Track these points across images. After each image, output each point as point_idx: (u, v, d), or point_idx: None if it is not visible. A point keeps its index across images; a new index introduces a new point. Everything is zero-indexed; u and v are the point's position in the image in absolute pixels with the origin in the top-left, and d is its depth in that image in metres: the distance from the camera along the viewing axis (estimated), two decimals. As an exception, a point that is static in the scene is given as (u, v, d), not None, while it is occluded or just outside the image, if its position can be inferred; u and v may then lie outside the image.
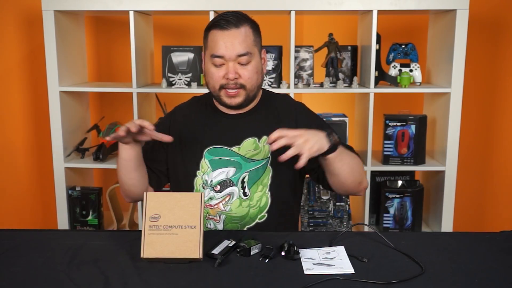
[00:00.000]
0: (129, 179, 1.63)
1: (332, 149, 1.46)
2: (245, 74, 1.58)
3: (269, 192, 1.64)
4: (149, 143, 1.66)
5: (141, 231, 1.34)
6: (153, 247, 1.32)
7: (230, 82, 1.57)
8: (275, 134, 1.40)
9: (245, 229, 1.64)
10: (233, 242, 1.41)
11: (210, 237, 1.44)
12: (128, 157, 1.58)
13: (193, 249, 1.31)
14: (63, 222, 2.57)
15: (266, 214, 1.65)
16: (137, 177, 1.63)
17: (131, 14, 2.37)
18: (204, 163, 1.65)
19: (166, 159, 1.72)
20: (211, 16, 2.36)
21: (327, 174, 1.59)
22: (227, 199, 1.64)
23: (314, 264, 1.31)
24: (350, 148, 1.68)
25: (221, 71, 1.58)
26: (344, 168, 1.54)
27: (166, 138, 1.51)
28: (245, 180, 1.63)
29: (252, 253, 1.36)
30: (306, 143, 1.39)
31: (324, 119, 2.50)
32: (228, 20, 1.56)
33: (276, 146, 1.40)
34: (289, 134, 1.40)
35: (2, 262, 1.34)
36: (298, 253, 1.34)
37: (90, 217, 2.59)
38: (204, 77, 1.66)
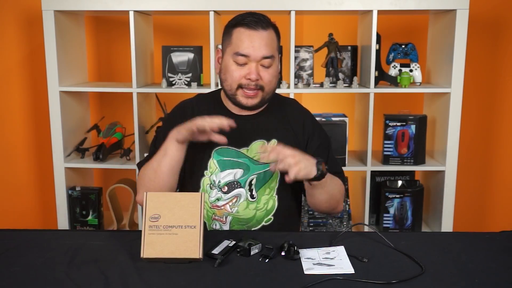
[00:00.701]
0: (169, 181, 1.58)
1: (317, 178, 1.48)
2: (266, 76, 1.57)
3: (276, 196, 1.64)
4: None
5: (141, 231, 1.34)
6: (153, 247, 1.32)
7: (251, 82, 1.56)
8: (269, 148, 1.43)
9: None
10: (233, 242, 1.41)
11: (210, 237, 1.44)
12: (179, 158, 1.55)
13: (193, 249, 1.31)
14: (63, 222, 2.57)
15: (272, 218, 1.64)
16: (176, 180, 1.60)
17: (131, 14, 2.37)
18: (212, 163, 1.64)
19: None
20: (211, 16, 2.36)
21: (306, 193, 1.62)
22: (234, 200, 1.63)
23: (314, 264, 1.31)
24: (339, 172, 1.71)
25: (243, 70, 1.56)
26: (323, 196, 1.58)
27: (223, 139, 1.50)
28: (253, 182, 1.63)
29: (252, 253, 1.36)
30: (296, 165, 1.41)
31: (324, 119, 2.51)
32: (256, 20, 1.56)
33: (265, 159, 1.44)
34: (283, 152, 1.42)
35: (2, 262, 1.34)
36: (298, 253, 1.34)
37: (90, 217, 2.59)
38: (220, 73, 1.63)
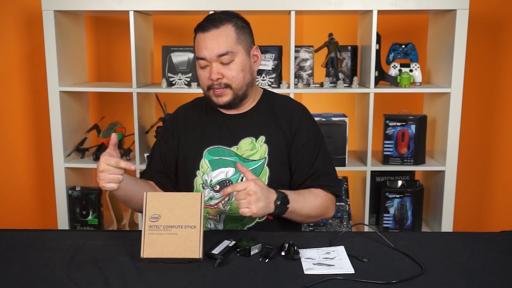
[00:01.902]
0: (133, 204, 1.63)
1: (278, 213, 1.49)
2: (229, 73, 1.57)
3: None
4: (159, 152, 1.71)
5: (141, 231, 1.34)
6: (153, 247, 1.32)
7: (215, 83, 1.57)
8: (230, 189, 1.40)
9: (245, 228, 1.64)
10: (233, 242, 1.41)
11: (210, 237, 1.44)
12: (120, 192, 1.53)
13: (193, 249, 1.31)
14: (63, 222, 2.57)
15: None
16: (139, 201, 1.56)
17: (131, 14, 2.37)
18: (204, 163, 1.65)
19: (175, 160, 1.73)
20: (211, 16, 2.36)
21: None
22: (226, 199, 1.64)
23: (314, 264, 1.31)
24: (329, 174, 1.68)
25: (206, 72, 1.58)
26: (298, 220, 1.62)
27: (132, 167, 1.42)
28: (243, 180, 1.63)
29: (252, 253, 1.36)
30: (251, 204, 1.39)
31: (324, 119, 2.51)
32: (208, 20, 1.57)
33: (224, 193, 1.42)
34: (240, 188, 1.39)
35: (2, 262, 1.34)
36: (298, 253, 1.34)
37: (90, 217, 2.59)
38: None
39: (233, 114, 1.68)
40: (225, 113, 1.69)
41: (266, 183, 1.63)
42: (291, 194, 1.51)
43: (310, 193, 1.62)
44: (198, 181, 1.66)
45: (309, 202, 1.59)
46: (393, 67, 2.55)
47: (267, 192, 1.44)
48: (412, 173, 2.66)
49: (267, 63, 2.48)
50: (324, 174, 1.66)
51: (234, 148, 1.65)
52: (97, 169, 1.40)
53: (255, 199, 1.39)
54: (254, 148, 1.64)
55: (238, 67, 1.57)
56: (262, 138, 1.65)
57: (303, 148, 1.65)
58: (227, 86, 1.58)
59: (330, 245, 1.43)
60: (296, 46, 2.47)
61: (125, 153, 2.60)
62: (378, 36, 2.41)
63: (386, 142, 2.50)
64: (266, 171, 1.64)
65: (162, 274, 1.26)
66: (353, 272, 1.27)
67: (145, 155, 2.51)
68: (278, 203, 1.46)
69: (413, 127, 2.47)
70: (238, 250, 1.37)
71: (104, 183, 1.39)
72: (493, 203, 3.02)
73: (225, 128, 1.67)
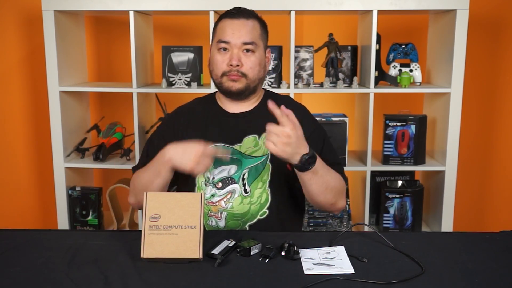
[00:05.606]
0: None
1: (300, 168, 1.47)
2: (248, 63, 1.61)
3: (269, 189, 1.65)
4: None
5: (141, 231, 1.34)
6: (153, 247, 1.32)
7: (233, 69, 1.60)
8: (281, 113, 1.40)
9: (246, 226, 1.65)
10: (233, 242, 1.41)
11: (210, 237, 1.44)
12: (170, 179, 1.59)
13: (193, 249, 1.31)
14: (63, 222, 2.57)
15: (267, 211, 1.65)
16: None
17: (131, 14, 2.37)
18: None
19: None
20: (211, 16, 2.36)
21: (300, 181, 1.59)
22: (228, 196, 1.64)
23: (314, 264, 1.31)
24: (338, 164, 1.69)
25: (225, 57, 1.62)
26: (314, 187, 1.55)
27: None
28: (245, 177, 1.64)
29: (252, 253, 1.36)
30: (278, 144, 1.39)
31: (324, 119, 2.51)
32: (239, 10, 1.64)
33: (273, 107, 1.41)
34: (278, 129, 1.39)
35: (2, 262, 1.34)
36: (298, 253, 1.34)
37: (90, 217, 2.59)
38: (209, 67, 1.69)
39: (237, 113, 1.70)
40: (229, 112, 1.70)
41: (269, 179, 1.64)
42: (319, 159, 1.51)
43: (332, 169, 1.62)
44: (200, 178, 1.67)
45: (331, 173, 1.59)
46: (393, 67, 2.55)
47: (299, 143, 1.42)
48: (412, 173, 2.66)
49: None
50: (334, 164, 1.66)
51: (236, 146, 1.66)
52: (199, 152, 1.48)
53: (285, 141, 1.39)
54: (257, 145, 1.66)
55: (257, 60, 1.63)
56: (265, 135, 1.65)
57: (309, 141, 1.65)
58: (243, 75, 1.62)
59: (330, 245, 1.43)
60: (296, 46, 2.47)
61: (125, 153, 2.59)
62: (378, 36, 2.41)
63: (386, 142, 2.50)
64: (269, 167, 1.65)
65: (162, 274, 1.26)
66: (353, 272, 1.27)
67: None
68: (306, 157, 1.44)
69: (413, 127, 2.48)
70: (238, 250, 1.37)
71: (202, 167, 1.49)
72: (493, 203, 3.02)
73: (228, 126, 1.69)
